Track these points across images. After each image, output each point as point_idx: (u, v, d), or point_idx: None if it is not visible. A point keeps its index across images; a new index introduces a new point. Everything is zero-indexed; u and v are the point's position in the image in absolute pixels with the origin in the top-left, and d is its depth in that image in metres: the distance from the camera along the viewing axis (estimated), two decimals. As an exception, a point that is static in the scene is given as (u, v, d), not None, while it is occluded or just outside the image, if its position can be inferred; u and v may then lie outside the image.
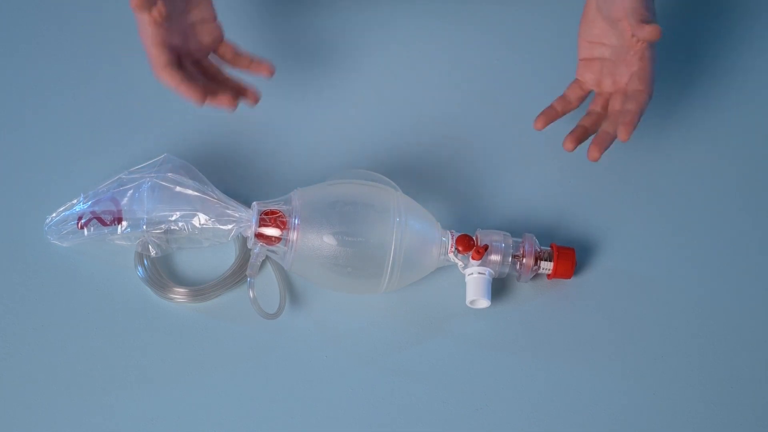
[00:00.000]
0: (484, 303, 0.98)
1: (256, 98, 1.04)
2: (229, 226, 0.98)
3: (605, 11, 1.04)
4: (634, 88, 1.03)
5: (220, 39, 1.05)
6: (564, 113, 1.08)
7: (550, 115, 1.07)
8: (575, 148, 1.05)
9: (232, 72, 1.06)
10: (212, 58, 1.06)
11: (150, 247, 1.01)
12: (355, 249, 0.95)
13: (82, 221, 1.01)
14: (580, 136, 1.05)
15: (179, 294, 1.00)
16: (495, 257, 0.99)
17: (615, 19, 1.03)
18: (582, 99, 1.09)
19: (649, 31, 0.99)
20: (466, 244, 0.98)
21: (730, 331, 1.00)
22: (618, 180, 1.11)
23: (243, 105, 1.18)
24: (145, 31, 0.98)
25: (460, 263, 0.99)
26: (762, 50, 1.23)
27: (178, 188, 0.99)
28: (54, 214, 1.03)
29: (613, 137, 1.02)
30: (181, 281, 1.02)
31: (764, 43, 1.23)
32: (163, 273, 1.02)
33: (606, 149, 1.02)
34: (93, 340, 0.98)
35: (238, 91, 1.03)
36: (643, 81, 1.03)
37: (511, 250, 0.99)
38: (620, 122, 1.01)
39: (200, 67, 1.05)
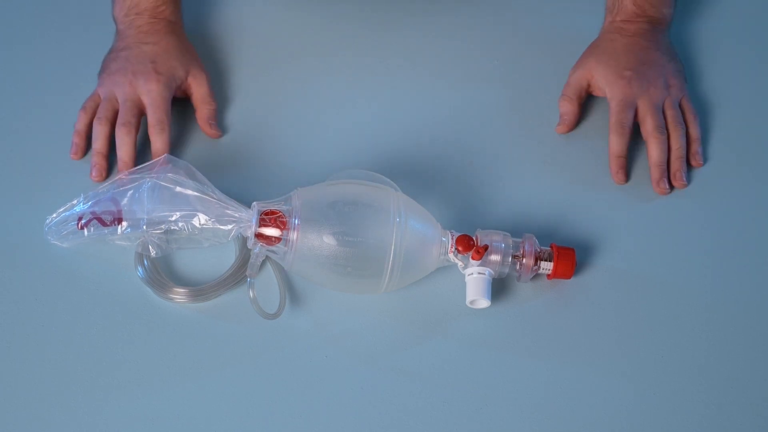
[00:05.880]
0: (484, 303, 0.98)
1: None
2: (229, 227, 0.98)
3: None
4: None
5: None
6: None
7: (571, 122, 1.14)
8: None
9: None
10: None
11: (150, 247, 1.00)
12: (355, 249, 0.95)
13: (83, 222, 1.01)
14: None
15: (179, 294, 1.00)
16: (495, 257, 0.99)
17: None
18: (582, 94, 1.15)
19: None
20: (466, 244, 0.98)
21: (731, 330, 1.00)
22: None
23: (241, 105, 1.18)
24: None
25: (460, 263, 0.99)
26: (759, 50, 1.23)
27: (178, 188, 0.99)
28: (54, 215, 1.03)
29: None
30: (181, 281, 1.02)
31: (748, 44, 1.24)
32: (163, 273, 1.01)
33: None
34: (93, 340, 0.98)
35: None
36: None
37: (511, 250, 0.99)
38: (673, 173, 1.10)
39: None
